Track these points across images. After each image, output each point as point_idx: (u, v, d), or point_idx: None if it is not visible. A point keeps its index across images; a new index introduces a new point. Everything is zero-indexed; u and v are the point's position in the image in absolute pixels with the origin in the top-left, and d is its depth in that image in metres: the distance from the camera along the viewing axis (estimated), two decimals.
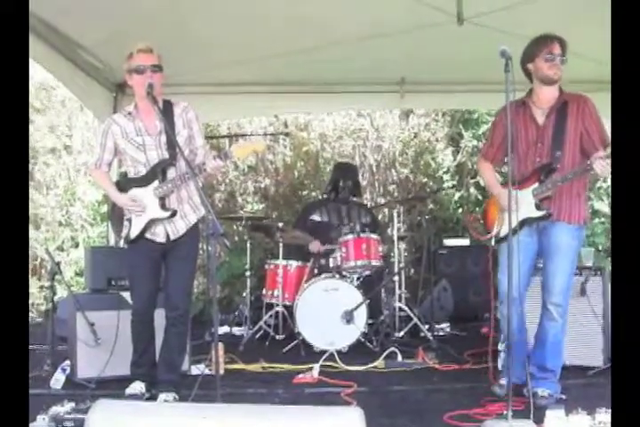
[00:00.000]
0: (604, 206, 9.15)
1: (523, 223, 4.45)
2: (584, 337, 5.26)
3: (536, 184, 4.46)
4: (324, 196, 7.79)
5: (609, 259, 8.23)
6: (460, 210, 9.54)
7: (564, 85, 4.54)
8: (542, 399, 4.32)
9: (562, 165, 4.40)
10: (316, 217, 7.51)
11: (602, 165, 4.14)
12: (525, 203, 4.41)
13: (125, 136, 4.57)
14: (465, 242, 8.41)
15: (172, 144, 4.46)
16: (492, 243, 4.63)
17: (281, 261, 6.90)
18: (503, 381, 4.47)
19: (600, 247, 8.50)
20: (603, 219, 9.08)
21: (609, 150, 4.20)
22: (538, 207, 4.44)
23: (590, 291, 5.27)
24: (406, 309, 6.82)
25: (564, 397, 4.45)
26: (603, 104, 4.22)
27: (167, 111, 4.55)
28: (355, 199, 7.63)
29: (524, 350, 4.55)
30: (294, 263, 6.97)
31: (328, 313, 6.31)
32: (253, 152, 4.61)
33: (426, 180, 9.89)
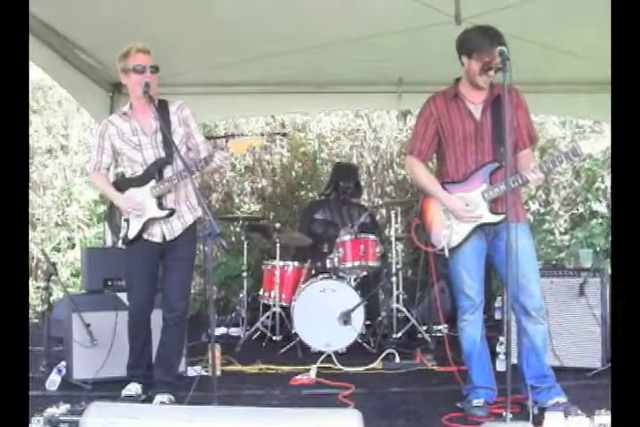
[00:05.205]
0: (602, 207, 9.14)
1: (476, 228, 4.23)
2: (583, 339, 5.23)
3: (484, 185, 4.20)
4: (323, 196, 7.76)
5: (607, 260, 8.22)
6: None
7: (566, 85, 4.43)
8: (559, 406, 4.01)
9: (506, 162, 4.00)
10: (319, 215, 7.49)
11: (534, 179, 4.05)
12: (477, 206, 4.20)
13: (122, 136, 4.55)
14: None
15: (168, 143, 4.44)
16: (446, 253, 4.27)
17: (278, 262, 6.87)
18: (477, 400, 4.28)
19: (598, 248, 8.47)
20: (601, 220, 9.06)
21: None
22: (492, 211, 4.18)
23: (589, 292, 5.25)
24: (404, 310, 6.79)
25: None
26: (606, 105, 4.16)
27: (162, 110, 4.52)
28: (354, 200, 7.62)
29: (487, 357, 4.45)
30: (291, 264, 6.92)
31: (325, 314, 6.28)
32: (250, 147, 4.58)
33: None
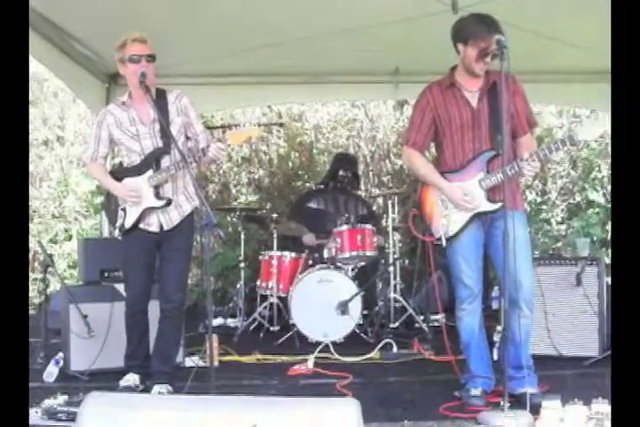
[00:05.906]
0: (599, 197, 9.14)
1: (473, 217, 4.23)
2: (580, 327, 5.25)
3: (481, 174, 4.19)
4: (320, 186, 7.77)
5: (604, 249, 8.24)
6: None
7: (563, 75, 4.40)
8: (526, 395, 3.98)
9: (503, 150, 4.01)
10: (313, 204, 7.49)
11: (528, 169, 4.00)
12: (474, 195, 4.19)
13: (120, 126, 4.55)
14: None
15: (166, 133, 4.43)
16: (443, 242, 4.28)
17: (275, 253, 6.87)
18: (475, 389, 4.29)
19: (595, 238, 8.49)
20: (597, 209, 9.07)
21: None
22: (489, 199, 4.17)
23: (586, 281, 5.26)
24: (401, 299, 6.80)
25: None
26: (603, 94, 4.15)
27: (161, 99, 4.53)
28: (352, 191, 7.61)
29: (486, 346, 4.45)
30: (289, 254, 6.91)
31: (323, 304, 6.28)
32: (248, 138, 4.57)
33: None
